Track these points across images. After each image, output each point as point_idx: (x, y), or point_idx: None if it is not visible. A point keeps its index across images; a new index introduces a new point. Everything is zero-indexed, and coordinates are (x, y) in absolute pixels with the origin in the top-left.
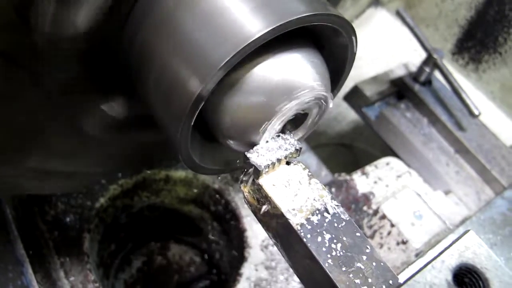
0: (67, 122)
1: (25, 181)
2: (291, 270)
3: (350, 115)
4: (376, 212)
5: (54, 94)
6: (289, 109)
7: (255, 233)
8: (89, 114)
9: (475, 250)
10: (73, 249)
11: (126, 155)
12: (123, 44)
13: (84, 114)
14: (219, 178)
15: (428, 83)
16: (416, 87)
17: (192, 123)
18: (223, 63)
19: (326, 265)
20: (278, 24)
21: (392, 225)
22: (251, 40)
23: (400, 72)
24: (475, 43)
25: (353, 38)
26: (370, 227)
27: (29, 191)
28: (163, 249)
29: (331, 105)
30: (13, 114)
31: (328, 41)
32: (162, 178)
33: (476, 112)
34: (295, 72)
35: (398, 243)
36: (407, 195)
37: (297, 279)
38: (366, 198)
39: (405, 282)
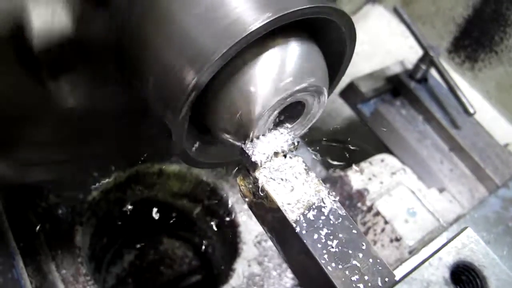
0: (56, 109)
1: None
2: (284, 265)
3: (345, 111)
4: (370, 208)
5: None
6: (284, 101)
7: (249, 228)
8: (81, 102)
9: (472, 247)
10: (64, 242)
11: (118, 146)
12: (118, 34)
13: (76, 101)
14: (214, 172)
15: (424, 80)
16: (412, 84)
17: (188, 115)
18: (220, 55)
19: (322, 261)
20: (276, 16)
21: (386, 222)
22: (248, 32)
23: (396, 69)
24: (471, 41)
25: (352, 32)
26: (364, 223)
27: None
28: (155, 243)
29: (326, 99)
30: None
31: (327, 35)
32: (155, 172)
33: (471, 111)
34: (292, 64)
35: (391, 240)
36: (401, 192)
37: (290, 275)
38: (360, 195)
39: (402, 279)
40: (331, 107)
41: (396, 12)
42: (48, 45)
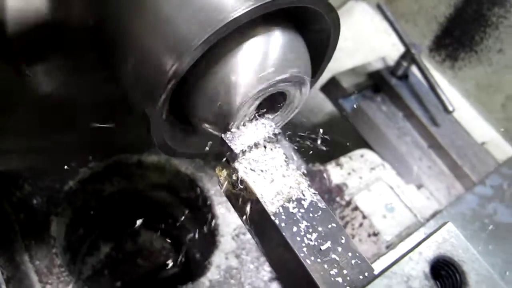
0: (31, 96)
1: None
2: (261, 259)
3: (327, 106)
4: (348, 203)
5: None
6: (266, 90)
7: (227, 221)
8: (58, 89)
9: (453, 242)
10: (39, 233)
11: (96, 136)
12: (97, 18)
13: (51, 88)
14: (193, 164)
15: (405, 77)
16: (393, 81)
17: (167, 104)
18: (200, 42)
19: (301, 254)
20: (258, 4)
21: (364, 217)
22: (230, 20)
23: (377, 65)
24: (452, 40)
25: (336, 22)
26: (342, 218)
27: None
28: (133, 235)
29: (308, 90)
30: None
31: (311, 26)
32: (134, 163)
33: (450, 109)
34: (274, 54)
35: (369, 235)
36: (380, 187)
37: (268, 268)
38: (339, 189)
39: (381, 273)
40: (313, 102)
41: (379, 9)
42: (23, 28)
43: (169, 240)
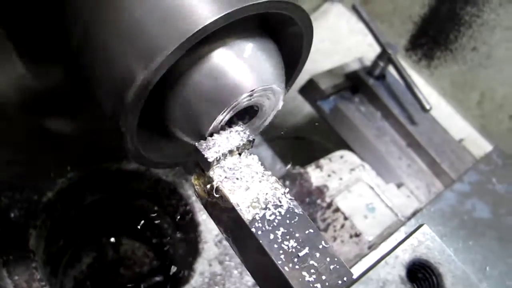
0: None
1: None
2: None
3: (306, 108)
4: (329, 205)
5: None
6: (240, 101)
7: (209, 227)
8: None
9: (428, 244)
10: (17, 247)
11: (74, 146)
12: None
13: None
14: (173, 171)
15: (382, 77)
16: (370, 81)
17: (138, 115)
18: (170, 52)
19: (279, 261)
20: (229, 11)
21: (346, 218)
22: (199, 28)
23: (355, 66)
24: (427, 39)
25: (308, 27)
26: (324, 220)
27: None
28: (115, 244)
29: (282, 98)
30: None
31: (283, 31)
32: (113, 171)
33: (427, 107)
34: (248, 64)
35: (351, 236)
36: (361, 188)
37: None
38: (320, 191)
39: (358, 278)
40: (292, 104)
41: (355, 10)
42: None
43: (151, 248)
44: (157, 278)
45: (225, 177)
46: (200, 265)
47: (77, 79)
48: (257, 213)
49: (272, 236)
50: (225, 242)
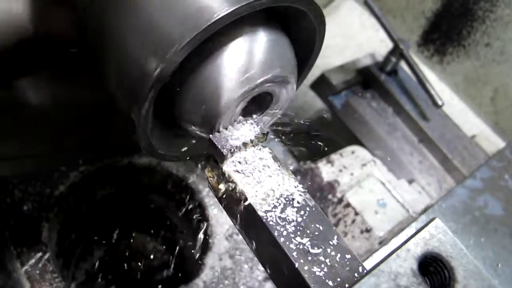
0: (18, 107)
1: None
2: (255, 259)
3: (317, 104)
4: (340, 200)
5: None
6: (251, 91)
7: (220, 222)
8: (44, 99)
9: (440, 238)
10: (30, 239)
11: (85, 140)
12: (80, 25)
13: (38, 99)
14: (184, 165)
15: (393, 73)
16: (382, 76)
17: (152, 107)
18: (184, 44)
19: (292, 254)
20: (243, 4)
21: (356, 213)
22: (214, 20)
23: (366, 62)
24: (440, 35)
25: (321, 21)
26: (335, 215)
27: None
28: (126, 238)
29: (294, 87)
30: None
31: (296, 25)
32: (124, 165)
33: (439, 103)
34: (259, 55)
35: (362, 231)
36: (372, 183)
37: (262, 268)
38: (331, 186)
39: (369, 271)
40: (304, 100)
41: (367, 5)
42: (6, 45)
43: (162, 242)
44: (168, 272)
45: (239, 170)
46: (211, 259)
47: (91, 71)
48: (270, 206)
49: (285, 229)
50: (235, 237)
